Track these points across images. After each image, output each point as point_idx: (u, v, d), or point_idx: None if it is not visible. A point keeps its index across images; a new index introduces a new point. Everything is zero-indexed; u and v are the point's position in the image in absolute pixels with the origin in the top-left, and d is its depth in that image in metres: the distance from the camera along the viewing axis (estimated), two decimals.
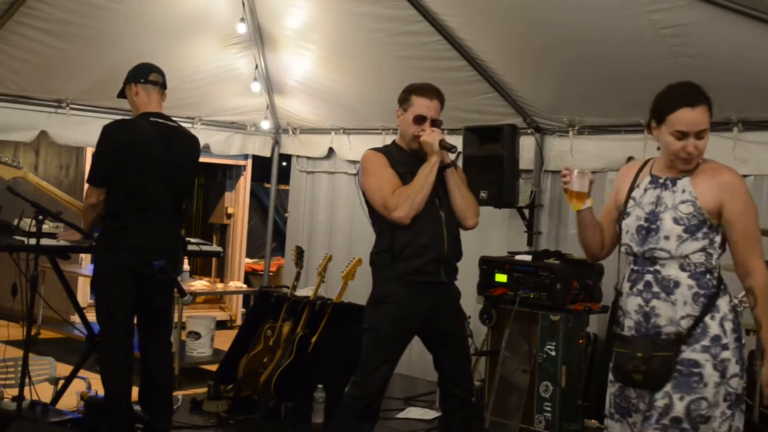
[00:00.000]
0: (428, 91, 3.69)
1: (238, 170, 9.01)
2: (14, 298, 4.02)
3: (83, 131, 6.06)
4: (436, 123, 3.69)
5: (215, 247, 5.37)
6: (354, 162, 6.93)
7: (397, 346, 3.69)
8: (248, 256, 9.51)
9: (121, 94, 4.31)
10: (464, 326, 3.87)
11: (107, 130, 4.10)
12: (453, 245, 3.68)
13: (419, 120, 3.67)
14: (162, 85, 4.25)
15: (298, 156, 7.45)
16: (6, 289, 4.15)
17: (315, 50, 5.95)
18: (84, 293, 7.74)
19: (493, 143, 5.39)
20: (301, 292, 5.65)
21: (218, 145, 7.04)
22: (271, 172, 7.58)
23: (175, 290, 4.06)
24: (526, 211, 5.70)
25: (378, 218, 3.67)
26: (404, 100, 3.72)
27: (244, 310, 8.90)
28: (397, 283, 3.61)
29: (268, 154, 7.49)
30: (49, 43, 5.32)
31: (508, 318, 4.84)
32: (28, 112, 5.83)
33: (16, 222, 4.28)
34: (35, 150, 8.48)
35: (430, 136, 3.61)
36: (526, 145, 5.64)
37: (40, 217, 3.68)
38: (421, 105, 3.67)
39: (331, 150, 7.10)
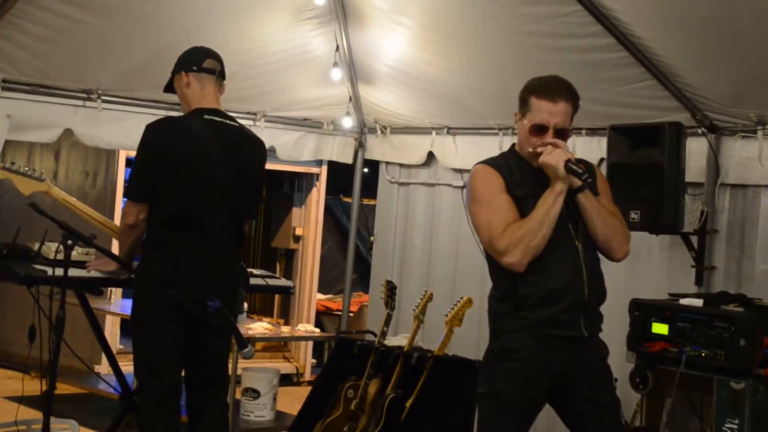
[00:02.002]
0: (551, 90, 3.62)
1: (309, 180, 9.10)
2: (32, 344, 4.14)
3: (117, 130, 6.22)
4: (561, 134, 3.63)
5: (284, 281, 5.43)
6: (461, 171, 6.92)
7: (523, 416, 3.67)
8: (321, 291, 9.58)
9: (169, 88, 4.41)
10: (614, 393, 3.81)
11: (151, 131, 4.20)
12: (594, 285, 3.65)
13: (538, 130, 3.62)
14: (220, 74, 4.35)
15: (388, 163, 7.47)
16: (21, 331, 4.27)
17: (412, 26, 5.97)
18: (113, 336, 7.94)
19: (650, 147, 5.33)
20: (392, 341, 5.66)
21: (286, 149, 7.12)
22: (354, 182, 7.61)
23: (233, 338, 4.11)
24: (695, 239, 5.59)
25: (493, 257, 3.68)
26: (523, 101, 3.68)
27: (314, 361, 8.98)
28: (524, 336, 3.60)
29: (349, 160, 7.54)
30: (80, 18, 5.47)
31: (671, 383, 4.72)
32: (51, 106, 6.02)
33: (36, 247, 4.40)
34: (54, 152, 8.75)
35: (552, 156, 3.55)
36: (696, 149, 5.54)
37: (69, 241, 3.77)
38: (541, 110, 3.60)
39: (431, 155, 7.11)
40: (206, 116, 4.24)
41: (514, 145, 3.81)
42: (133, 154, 4.33)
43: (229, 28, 5.86)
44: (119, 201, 7.96)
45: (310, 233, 9.14)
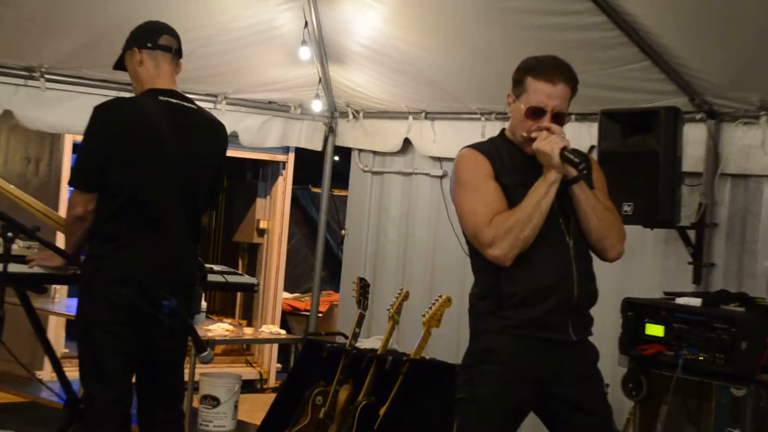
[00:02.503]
0: (550, 70, 3.62)
1: (275, 168, 9.09)
2: None
3: (62, 112, 6.18)
4: (559, 118, 3.62)
5: (247, 278, 5.39)
6: (440, 159, 6.94)
7: (505, 424, 3.67)
8: (287, 289, 9.57)
9: (120, 65, 4.37)
10: (605, 400, 3.81)
11: (100, 112, 4.15)
12: (585, 286, 3.65)
13: (534, 114, 3.61)
14: (176, 52, 4.31)
15: (360, 150, 7.49)
16: None
17: (388, 1, 5.94)
18: (57, 339, 7.88)
19: (644, 134, 5.34)
20: (364, 344, 5.68)
21: (249, 134, 7.11)
22: (323, 171, 7.61)
23: (190, 341, 4.08)
24: (692, 234, 5.62)
25: (476, 250, 3.67)
26: (517, 81, 3.67)
27: (280, 366, 8.98)
28: (507, 337, 3.60)
29: (318, 147, 7.54)
30: None
31: (667, 390, 4.75)
32: None
33: None
34: None
35: (547, 143, 3.54)
36: (694, 136, 5.56)
37: (10, 234, 3.71)
38: (538, 91, 3.60)
39: (407, 142, 7.12)
40: (161, 97, 4.20)
41: (504, 129, 3.79)
42: (79, 138, 4.28)
43: (186, 2, 5.82)
44: (64, 190, 7.90)
45: (276, 226, 9.12)
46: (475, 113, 6.55)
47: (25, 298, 4.61)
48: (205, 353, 3.95)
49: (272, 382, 8.81)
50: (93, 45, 5.83)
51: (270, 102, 7.18)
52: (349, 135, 7.46)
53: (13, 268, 4.04)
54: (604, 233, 3.66)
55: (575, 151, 3.60)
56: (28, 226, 3.96)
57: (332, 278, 9.43)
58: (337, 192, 8.31)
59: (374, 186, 7.44)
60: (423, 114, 6.94)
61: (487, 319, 3.65)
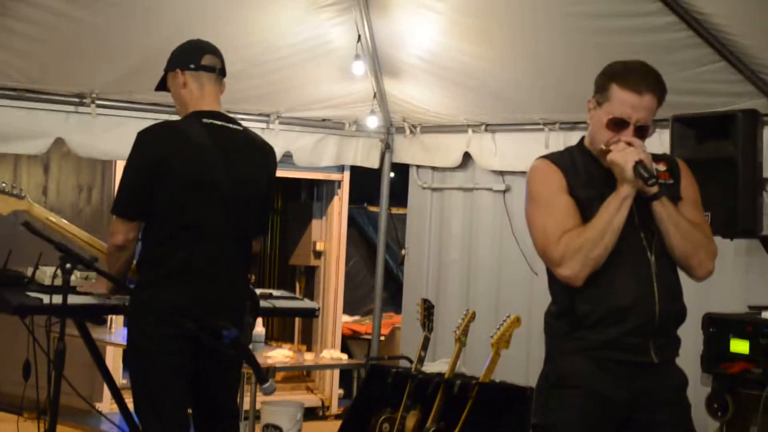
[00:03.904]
0: (637, 79, 3.51)
1: (330, 188, 9.11)
2: (26, 382, 4.11)
3: (114, 138, 6.22)
4: (642, 131, 3.53)
5: (308, 302, 5.40)
6: (502, 173, 6.92)
7: None
8: (347, 312, 9.56)
9: (162, 86, 4.38)
10: (692, 430, 3.70)
11: (144, 138, 4.16)
12: (669, 305, 3.56)
13: (616, 125, 3.52)
14: (220, 72, 4.31)
15: (419, 166, 7.49)
16: (14, 368, 4.24)
17: (445, 11, 5.96)
18: (115, 370, 7.90)
19: (720, 139, 5.28)
20: (431, 368, 5.66)
21: (304, 154, 7.12)
22: (381, 189, 7.62)
23: (247, 370, 4.06)
24: None
25: None
26: (601, 87, 3.57)
27: (342, 392, 8.99)
28: (582, 359, 3.54)
29: (375, 165, 7.55)
30: (70, 14, 5.46)
31: (755, 409, 4.69)
32: (39, 113, 6.02)
33: (30, 272, 4.36)
34: (44, 165, 8.77)
35: (622, 155, 3.46)
36: None
37: (68, 265, 3.72)
38: (623, 101, 3.50)
39: (467, 156, 7.11)
40: (205, 120, 4.19)
41: (583, 138, 3.72)
42: None
43: (236, 19, 5.86)
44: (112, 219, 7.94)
45: (333, 248, 9.13)
46: (538, 123, 6.52)
47: (84, 329, 4.64)
48: (268, 384, 3.91)
49: (335, 408, 8.81)
50: (144, 68, 5.85)
51: (324, 120, 7.20)
52: (406, 151, 7.46)
53: (73, 299, 4.06)
54: (689, 251, 3.57)
55: (661, 159, 3.56)
56: (86, 257, 3.97)
57: (393, 300, 9.41)
58: (395, 210, 8.29)
59: (434, 203, 7.43)
60: (483, 126, 6.92)
61: (562, 339, 3.60)
